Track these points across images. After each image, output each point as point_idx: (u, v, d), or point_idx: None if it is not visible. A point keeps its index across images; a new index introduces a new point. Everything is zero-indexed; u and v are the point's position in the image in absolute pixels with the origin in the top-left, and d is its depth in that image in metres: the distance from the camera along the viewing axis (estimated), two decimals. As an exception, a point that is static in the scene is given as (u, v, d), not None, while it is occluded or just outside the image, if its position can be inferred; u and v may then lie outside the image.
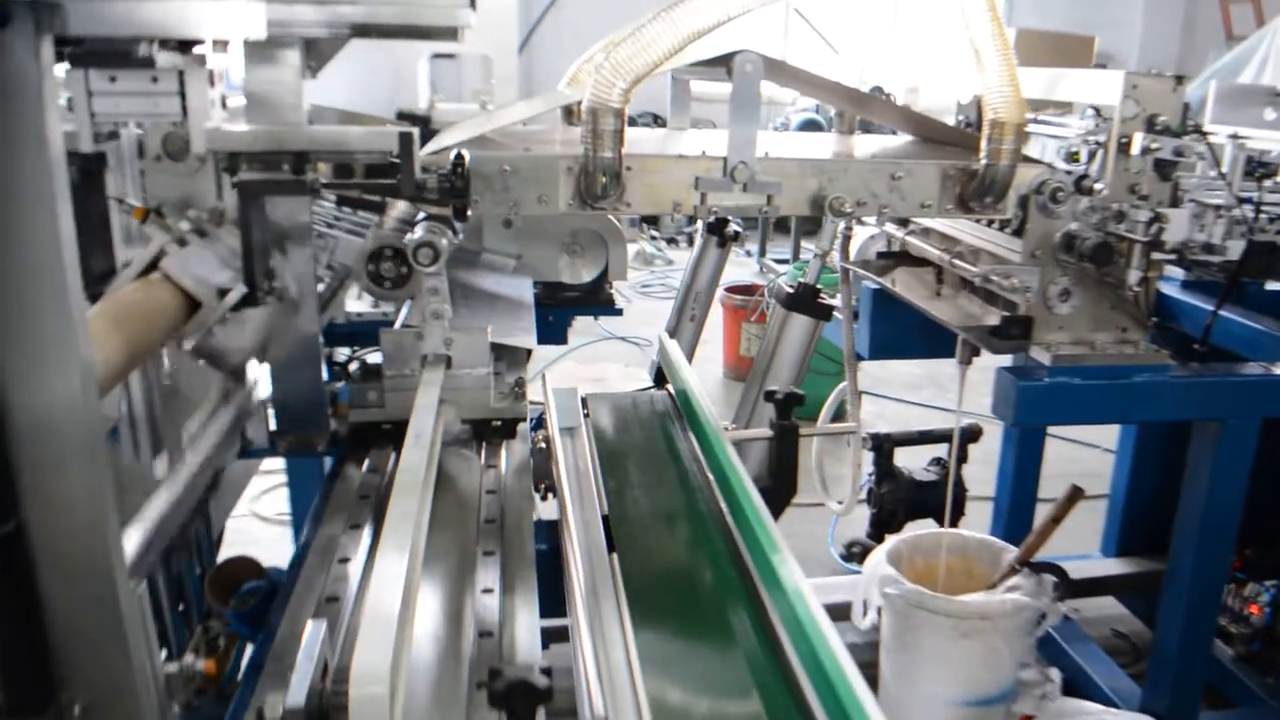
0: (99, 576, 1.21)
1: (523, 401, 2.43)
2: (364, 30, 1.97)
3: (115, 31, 1.49)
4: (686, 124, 3.33)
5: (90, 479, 1.19)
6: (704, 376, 7.40)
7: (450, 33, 1.95)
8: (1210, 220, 2.85)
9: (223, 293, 1.92)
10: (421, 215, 2.49)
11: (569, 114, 3.15)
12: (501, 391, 2.42)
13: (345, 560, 1.89)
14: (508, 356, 2.61)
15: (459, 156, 2.10)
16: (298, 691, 1.26)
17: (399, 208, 2.67)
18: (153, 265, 1.90)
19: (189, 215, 2.00)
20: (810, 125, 11.11)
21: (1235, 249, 2.87)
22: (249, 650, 1.84)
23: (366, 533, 2.00)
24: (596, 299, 3.40)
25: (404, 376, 2.33)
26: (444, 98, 3.64)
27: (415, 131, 1.97)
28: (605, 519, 1.99)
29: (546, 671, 1.32)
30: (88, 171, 1.91)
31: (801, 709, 1.45)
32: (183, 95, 1.86)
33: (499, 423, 2.42)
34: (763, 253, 11.44)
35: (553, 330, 3.43)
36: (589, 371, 7.49)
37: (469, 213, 2.16)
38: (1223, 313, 3.06)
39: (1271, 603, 3.59)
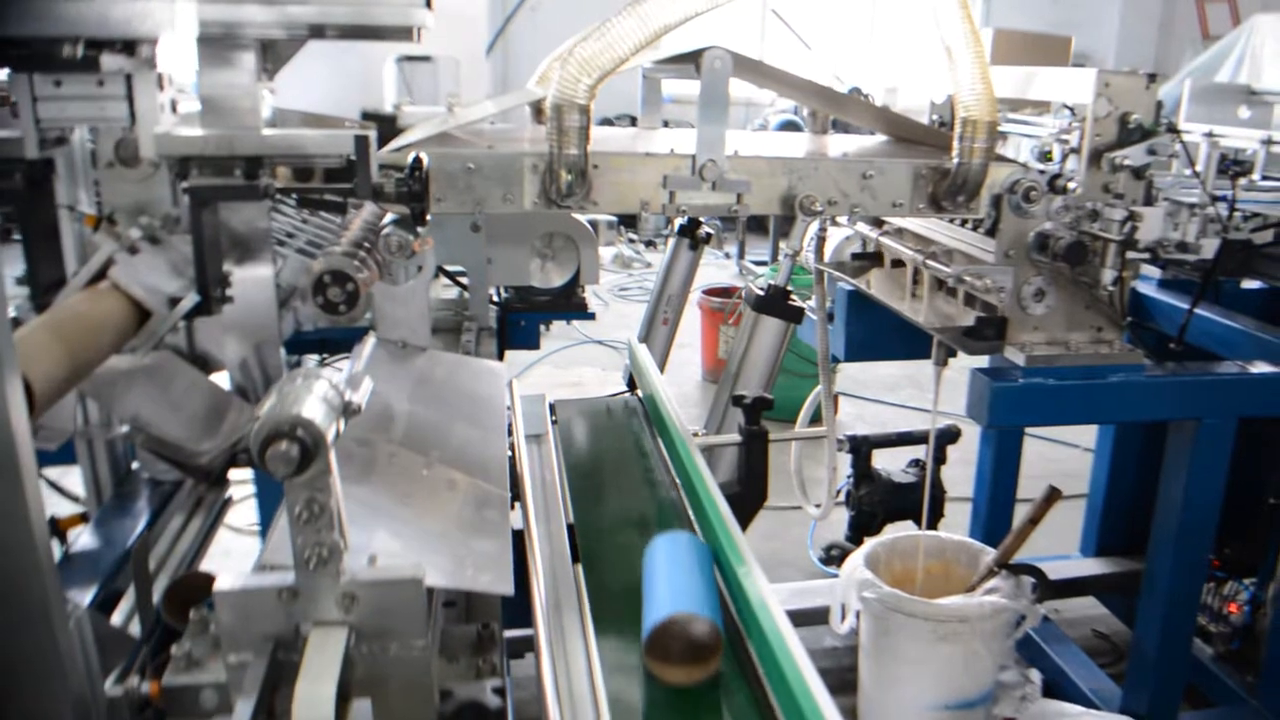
0: (30, 597, 1.16)
1: (492, 681, 1.44)
2: (318, 31, 1.93)
3: (35, 31, 1.45)
4: (658, 123, 3.29)
5: (20, 497, 1.14)
6: (683, 380, 7.38)
7: (405, 33, 1.90)
8: (1184, 219, 2.83)
9: (173, 301, 1.87)
10: (389, 218, 2.45)
11: (538, 112, 3.11)
12: (455, 668, 1.48)
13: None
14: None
15: (417, 159, 2.05)
16: (242, 713, 1.22)
17: (367, 209, 2.62)
18: (102, 274, 1.85)
19: (140, 222, 1.94)
20: (789, 127, 11.09)
21: (1209, 247, 2.84)
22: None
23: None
24: (569, 303, 3.36)
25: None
26: (412, 100, 3.60)
27: (372, 134, 1.92)
28: (570, 529, 1.95)
29: (499, 691, 1.28)
30: (34, 179, 1.85)
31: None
32: (130, 100, 1.81)
33: None
34: (741, 254, 11.41)
35: (524, 335, 3.39)
36: (566, 376, 7.46)
37: (429, 216, 2.11)
38: (1198, 311, 3.05)
39: (1250, 601, 3.58)
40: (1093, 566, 4.23)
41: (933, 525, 3.37)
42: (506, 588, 1.49)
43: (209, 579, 2.04)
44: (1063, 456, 5.93)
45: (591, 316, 3.51)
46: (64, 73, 1.75)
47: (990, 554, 3.09)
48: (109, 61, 1.73)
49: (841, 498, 3.66)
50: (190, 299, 1.87)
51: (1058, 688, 3.51)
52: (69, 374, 1.58)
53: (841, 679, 3.35)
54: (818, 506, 3.57)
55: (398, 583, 1.34)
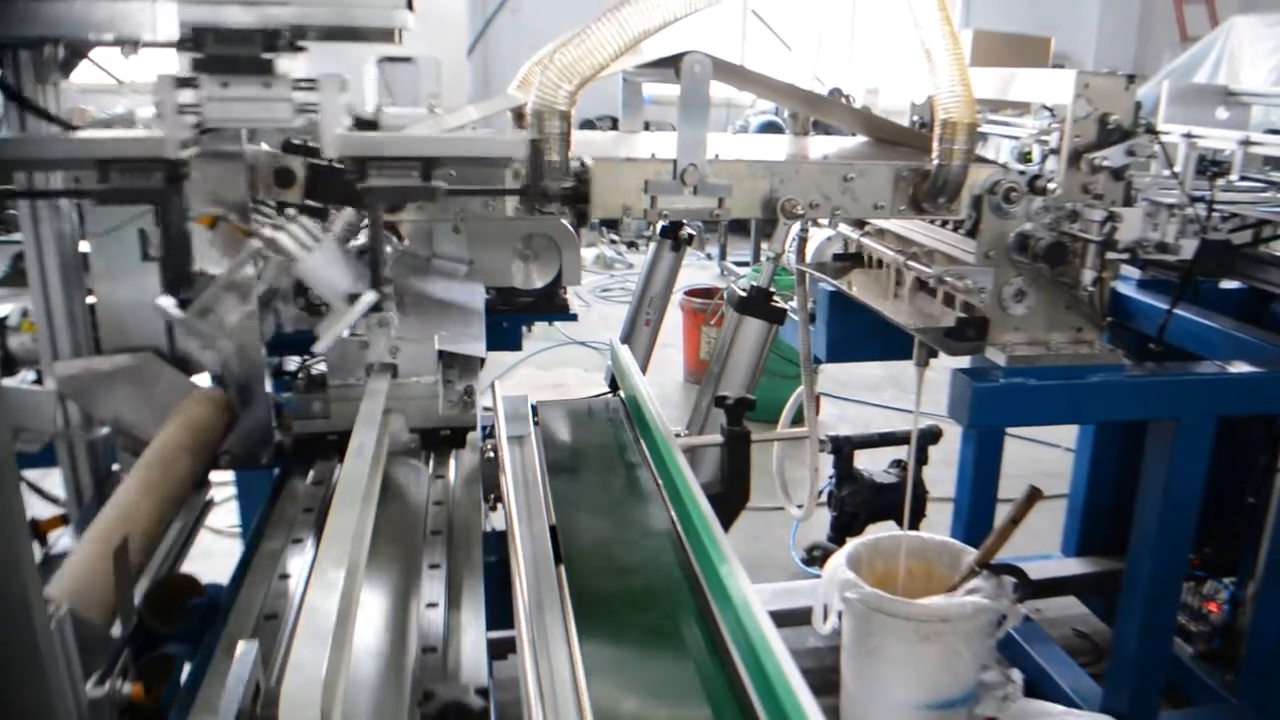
0: (11, 601, 1.15)
1: (471, 409, 2.40)
2: (299, 33, 1.92)
3: (15, 32, 1.44)
4: (639, 126, 3.29)
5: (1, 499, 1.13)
6: (665, 380, 7.38)
7: (386, 34, 1.90)
8: (1163, 219, 2.84)
9: (352, 298, 1.90)
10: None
11: (519, 117, 3.11)
12: (450, 400, 2.41)
13: (286, 576, 1.84)
14: (460, 364, 2.58)
15: (581, 163, 2.07)
16: (226, 717, 1.22)
17: (346, 212, 2.61)
18: None
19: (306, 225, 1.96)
20: (770, 127, 11.10)
21: (1188, 248, 2.86)
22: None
23: (309, 547, 1.96)
24: (551, 304, 3.35)
25: (349, 386, 2.31)
26: (393, 102, 3.58)
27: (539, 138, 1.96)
28: (553, 529, 1.95)
29: (483, 692, 1.28)
30: (173, 178, 1.82)
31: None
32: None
33: (447, 431, 2.40)
34: (723, 255, 11.42)
35: (507, 336, 3.38)
36: (548, 377, 7.45)
37: (589, 219, 2.16)
38: (1178, 311, 3.06)
39: (1230, 600, 3.60)
40: (1074, 566, 4.25)
41: (914, 525, 3.38)
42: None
43: (190, 581, 2.04)
44: (1044, 456, 5.96)
45: (574, 318, 3.50)
46: (232, 74, 1.74)
47: (972, 554, 3.11)
48: (282, 64, 1.75)
49: (824, 498, 3.67)
50: (369, 296, 1.89)
51: (1039, 687, 3.53)
52: None
53: (824, 679, 3.36)
54: (800, 507, 3.58)
55: (419, 341, 2.31)
